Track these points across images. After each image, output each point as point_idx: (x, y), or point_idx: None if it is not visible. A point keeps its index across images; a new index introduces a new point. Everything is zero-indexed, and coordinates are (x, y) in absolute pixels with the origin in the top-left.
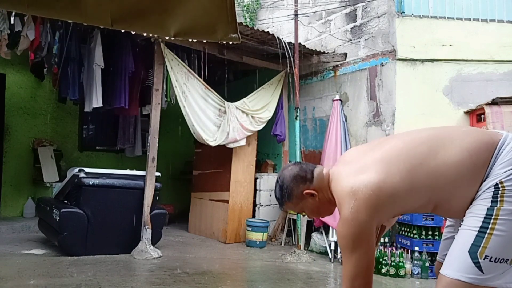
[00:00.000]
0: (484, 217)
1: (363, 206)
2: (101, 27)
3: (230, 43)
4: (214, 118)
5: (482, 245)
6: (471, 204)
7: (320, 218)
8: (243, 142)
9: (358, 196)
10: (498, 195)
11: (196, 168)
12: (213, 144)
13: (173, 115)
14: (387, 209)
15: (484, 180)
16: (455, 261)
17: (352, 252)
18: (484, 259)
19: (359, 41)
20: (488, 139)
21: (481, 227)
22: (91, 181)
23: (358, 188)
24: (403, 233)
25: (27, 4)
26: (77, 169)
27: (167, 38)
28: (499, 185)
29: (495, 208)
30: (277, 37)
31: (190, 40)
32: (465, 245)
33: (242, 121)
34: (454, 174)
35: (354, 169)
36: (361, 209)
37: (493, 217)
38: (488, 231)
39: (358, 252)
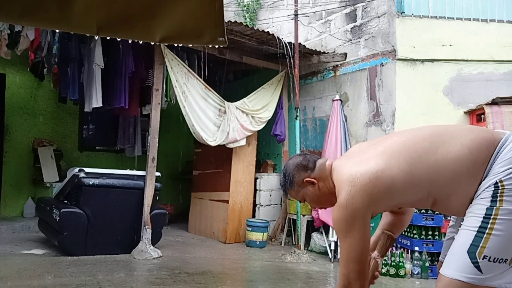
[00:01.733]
0: (483, 217)
1: (359, 194)
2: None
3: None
4: (214, 118)
5: (481, 245)
6: (471, 202)
7: (320, 218)
8: (243, 142)
9: (355, 183)
10: (498, 194)
11: (196, 168)
12: (213, 144)
13: (173, 115)
14: (383, 199)
15: (484, 179)
16: (454, 261)
17: (345, 237)
18: (482, 259)
19: (359, 41)
20: (489, 137)
21: (480, 227)
22: (91, 181)
23: (356, 176)
24: (403, 233)
25: (17, 15)
26: (77, 169)
27: (152, 43)
28: (499, 184)
29: (494, 207)
30: (277, 37)
31: (176, 44)
32: (464, 245)
33: (242, 121)
34: (454, 170)
35: (356, 161)
36: (356, 196)
37: (492, 216)
38: (487, 231)
39: (351, 237)
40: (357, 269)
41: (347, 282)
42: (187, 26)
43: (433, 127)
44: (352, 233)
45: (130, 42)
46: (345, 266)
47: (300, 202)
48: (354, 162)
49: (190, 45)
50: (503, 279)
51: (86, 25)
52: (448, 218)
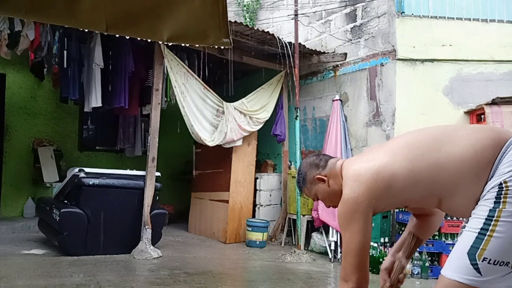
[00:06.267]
0: (486, 219)
1: (360, 188)
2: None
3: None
4: (211, 119)
5: (481, 247)
6: (477, 203)
7: (320, 218)
8: (239, 142)
9: (357, 178)
10: (502, 196)
11: (196, 168)
12: (211, 144)
13: (173, 115)
14: (384, 194)
15: (490, 179)
16: (455, 262)
17: (345, 230)
18: (482, 261)
19: (359, 41)
20: (496, 137)
21: (481, 228)
22: (91, 181)
23: (359, 172)
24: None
25: (24, 11)
26: (77, 169)
27: (160, 42)
28: (503, 185)
29: (497, 209)
30: (277, 37)
31: (183, 44)
32: (465, 247)
33: (239, 122)
34: (456, 169)
35: (363, 159)
36: (358, 190)
37: (494, 218)
38: (488, 233)
39: (350, 230)
40: (355, 263)
41: (345, 275)
42: (192, 27)
43: (440, 127)
44: (352, 226)
45: (130, 42)
46: (344, 259)
47: (314, 201)
48: (360, 160)
49: (196, 45)
50: (504, 283)
51: (95, 22)
52: (449, 218)
